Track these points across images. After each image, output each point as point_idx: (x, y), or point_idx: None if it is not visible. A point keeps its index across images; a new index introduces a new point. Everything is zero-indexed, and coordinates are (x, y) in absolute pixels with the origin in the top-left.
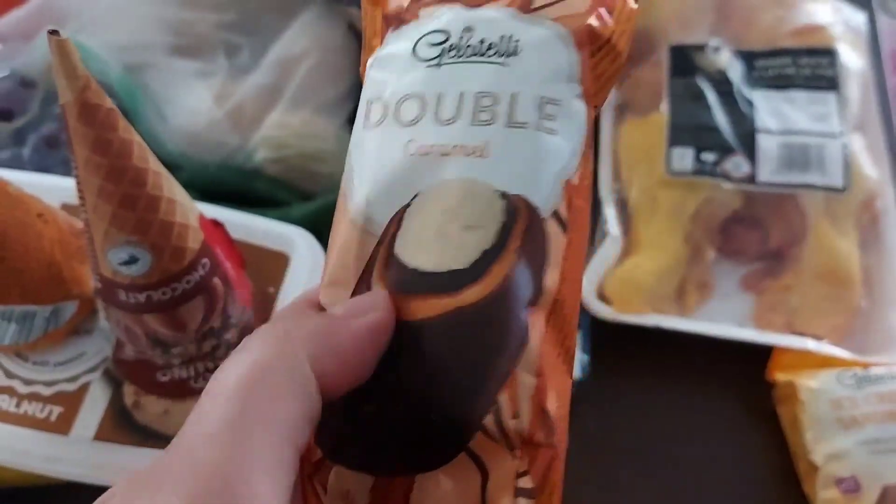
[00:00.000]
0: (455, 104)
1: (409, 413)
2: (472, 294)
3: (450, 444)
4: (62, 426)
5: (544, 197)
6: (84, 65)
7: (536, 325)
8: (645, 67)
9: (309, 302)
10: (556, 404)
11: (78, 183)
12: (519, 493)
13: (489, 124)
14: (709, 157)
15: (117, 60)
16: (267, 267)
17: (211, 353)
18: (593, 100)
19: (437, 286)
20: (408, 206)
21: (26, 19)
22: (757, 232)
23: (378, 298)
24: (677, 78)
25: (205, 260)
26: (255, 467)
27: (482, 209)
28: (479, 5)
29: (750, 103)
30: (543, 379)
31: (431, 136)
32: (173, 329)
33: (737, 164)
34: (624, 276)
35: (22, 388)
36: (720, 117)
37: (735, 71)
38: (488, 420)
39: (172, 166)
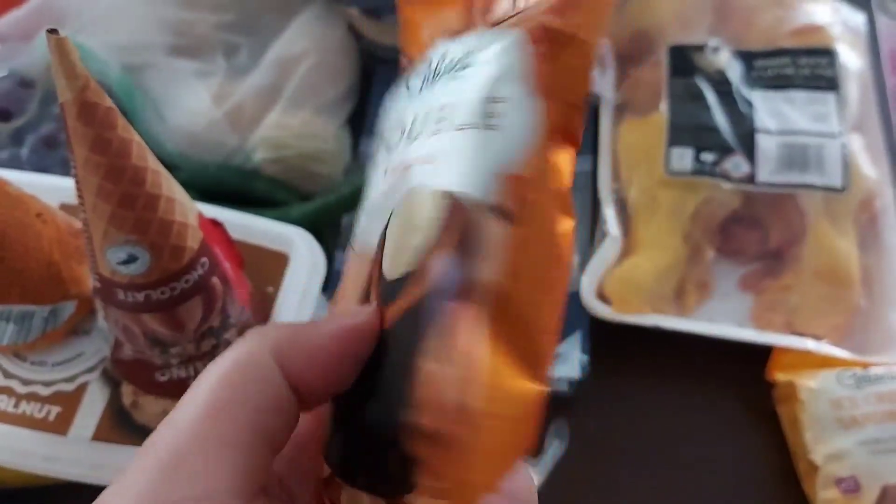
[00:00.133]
0: (422, 122)
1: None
2: (414, 294)
3: (395, 453)
4: (60, 426)
5: (483, 191)
6: (83, 64)
7: (464, 319)
8: (644, 68)
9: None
10: (486, 402)
11: (77, 182)
12: (427, 492)
13: (440, 132)
14: (708, 157)
15: (116, 61)
16: (266, 267)
17: (210, 353)
18: (559, 94)
19: (397, 292)
20: (387, 223)
21: (25, 19)
22: (756, 232)
23: (362, 309)
24: (677, 78)
25: (204, 259)
26: (209, 445)
27: (425, 211)
28: (460, 33)
29: (749, 103)
30: (468, 372)
31: (404, 155)
32: (172, 329)
33: (736, 164)
34: (623, 276)
35: (20, 388)
36: (719, 117)
37: (734, 71)
38: (410, 418)
39: (171, 166)
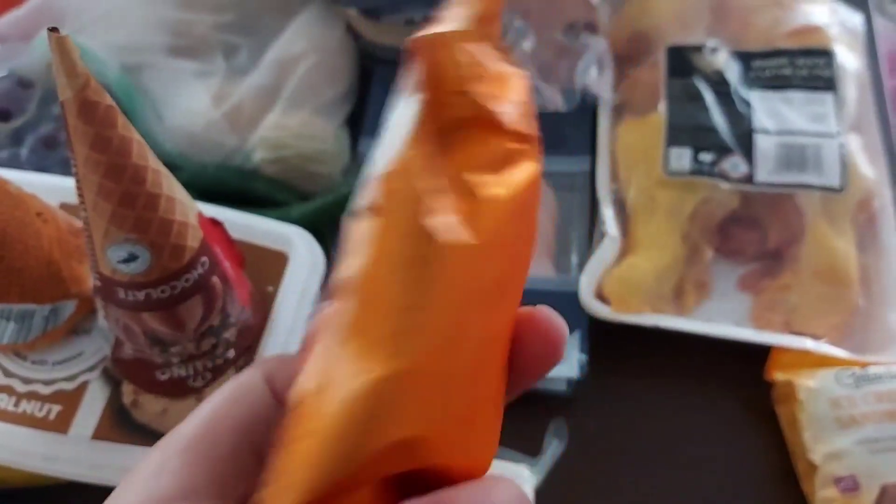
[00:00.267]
0: None
1: None
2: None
3: None
4: (61, 425)
5: (365, 196)
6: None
7: (324, 318)
8: (642, 68)
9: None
10: (305, 391)
11: (77, 181)
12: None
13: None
14: (706, 157)
15: (115, 61)
16: (266, 266)
17: (210, 352)
18: (437, 86)
19: None
20: None
21: (25, 20)
22: (755, 232)
23: None
24: (675, 78)
25: (204, 258)
26: (196, 452)
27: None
28: None
29: (747, 104)
30: (304, 356)
31: None
32: (172, 327)
33: (734, 165)
34: (622, 276)
35: (20, 387)
36: (718, 118)
37: (732, 71)
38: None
39: (171, 167)
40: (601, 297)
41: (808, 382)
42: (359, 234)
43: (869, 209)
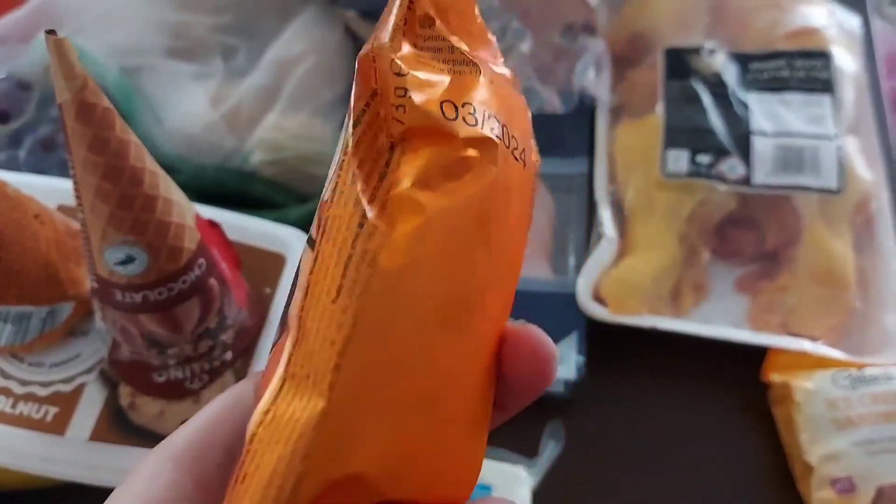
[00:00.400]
0: None
1: None
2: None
3: None
4: (58, 427)
5: (310, 231)
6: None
7: (275, 351)
8: (640, 70)
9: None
10: (260, 428)
11: (75, 183)
12: None
13: None
14: (704, 159)
15: (114, 63)
16: (263, 268)
17: (207, 354)
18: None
19: None
20: None
21: (23, 22)
22: (752, 233)
23: None
24: (672, 80)
25: (201, 260)
26: (183, 460)
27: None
28: None
29: (745, 105)
30: (260, 390)
31: None
32: (169, 329)
33: (732, 166)
34: (619, 278)
35: (18, 389)
36: (715, 119)
37: (730, 73)
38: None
39: (169, 169)
40: (598, 298)
41: (805, 384)
42: (302, 267)
43: (866, 211)
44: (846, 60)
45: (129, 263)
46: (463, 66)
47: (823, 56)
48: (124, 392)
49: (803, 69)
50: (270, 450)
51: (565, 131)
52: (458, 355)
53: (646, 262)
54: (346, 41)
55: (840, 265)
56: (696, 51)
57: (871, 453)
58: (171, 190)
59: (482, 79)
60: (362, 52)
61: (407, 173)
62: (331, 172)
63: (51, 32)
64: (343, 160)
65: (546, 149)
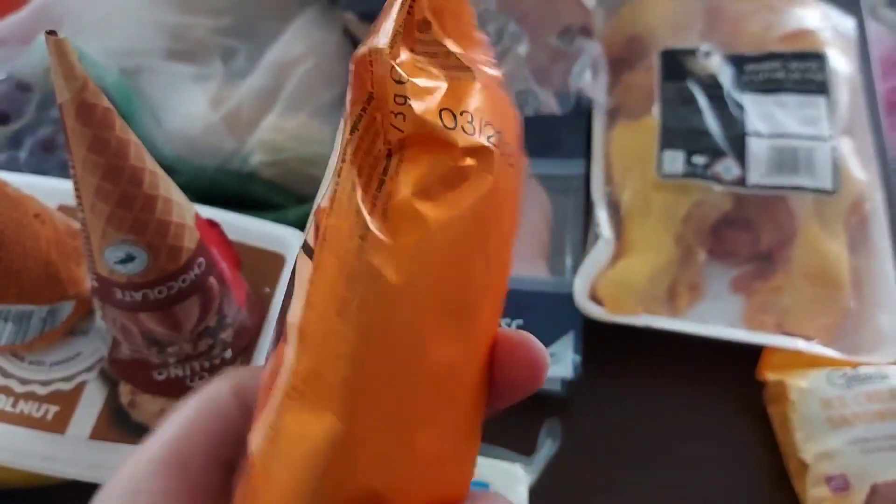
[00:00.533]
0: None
1: None
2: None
3: None
4: (58, 425)
5: (303, 235)
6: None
7: (273, 360)
8: (637, 72)
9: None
10: (266, 443)
11: (75, 182)
12: None
13: None
14: (700, 160)
15: (113, 65)
16: (263, 267)
17: (207, 352)
18: (365, 110)
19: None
20: None
21: (23, 23)
22: (747, 234)
23: None
24: (669, 82)
25: (200, 259)
26: (167, 467)
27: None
28: None
29: (740, 107)
30: (255, 416)
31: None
32: (169, 328)
33: (727, 167)
34: (616, 278)
35: (18, 388)
36: (711, 121)
37: (725, 75)
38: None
39: (169, 170)
40: (595, 298)
41: (800, 383)
42: (299, 274)
43: (861, 212)
44: (840, 62)
45: (129, 262)
46: (459, 72)
47: (818, 58)
48: (124, 390)
49: (798, 71)
50: (281, 466)
51: (562, 133)
52: (460, 363)
53: (642, 262)
54: (344, 43)
55: (834, 265)
56: (691, 53)
57: (865, 451)
58: (170, 190)
59: (477, 85)
60: (358, 53)
61: (406, 182)
62: (327, 178)
63: (51, 33)
64: (341, 167)
65: (543, 150)
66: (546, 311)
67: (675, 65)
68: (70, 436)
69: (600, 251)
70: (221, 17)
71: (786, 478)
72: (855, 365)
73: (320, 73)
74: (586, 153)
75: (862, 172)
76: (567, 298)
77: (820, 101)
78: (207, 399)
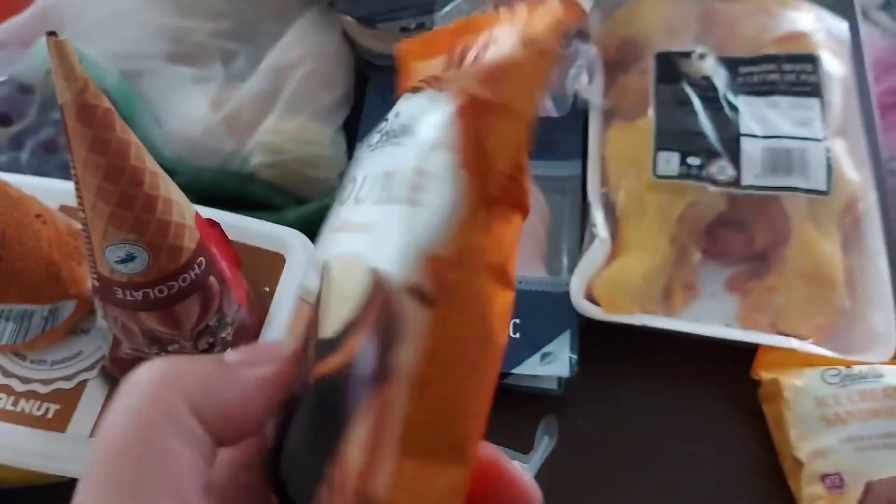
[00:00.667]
0: (368, 185)
1: (283, 475)
2: (329, 364)
3: None
4: (59, 424)
5: (399, 270)
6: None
7: (379, 403)
8: (632, 75)
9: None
10: (392, 491)
11: (76, 183)
12: None
13: (381, 203)
14: (694, 161)
15: (114, 67)
16: (262, 267)
17: (207, 351)
18: (491, 166)
19: (320, 354)
20: (323, 277)
21: (24, 26)
22: (742, 234)
23: (276, 350)
24: (663, 84)
25: (201, 259)
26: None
27: (353, 283)
28: (417, 90)
29: (734, 109)
30: (374, 460)
31: (349, 215)
32: (169, 327)
33: (722, 168)
34: (611, 278)
35: (19, 387)
36: (705, 122)
37: (720, 77)
38: (323, 490)
39: (169, 171)
40: (591, 297)
41: (795, 381)
42: (412, 320)
43: (854, 212)
44: (834, 64)
45: (129, 262)
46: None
47: (812, 60)
48: None
49: (792, 73)
50: None
51: (559, 134)
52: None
53: (637, 262)
54: (343, 46)
55: (828, 265)
56: (686, 55)
57: (859, 449)
58: (171, 190)
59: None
60: (466, 103)
61: (504, 243)
62: (445, 219)
63: (52, 34)
64: (457, 220)
65: (540, 151)
66: (543, 310)
67: (670, 67)
68: (71, 434)
69: (596, 251)
70: (221, 20)
71: (781, 476)
72: (849, 364)
73: (319, 76)
74: (582, 154)
75: (855, 173)
76: (564, 298)
77: (813, 102)
78: (167, 426)
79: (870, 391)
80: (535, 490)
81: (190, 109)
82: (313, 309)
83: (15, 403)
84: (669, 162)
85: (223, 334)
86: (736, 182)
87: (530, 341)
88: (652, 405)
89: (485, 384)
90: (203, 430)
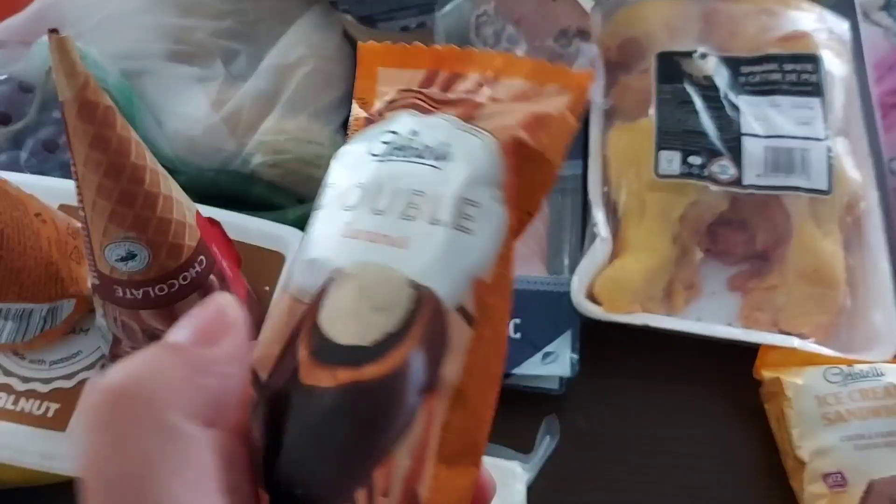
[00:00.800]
0: (390, 198)
1: (292, 476)
2: (369, 372)
3: None
4: (59, 423)
5: (450, 291)
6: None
7: (426, 412)
8: (633, 74)
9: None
10: (432, 492)
11: (77, 180)
12: None
13: (413, 220)
14: (696, 160)
15: (115, 67)
16: (262, 266)
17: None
18: (520, 205)
19: (342, 359)
20: (332, 279)
21: (24, 25)
22: (743, 233)
23: (227, 317)
24: (665, 84)
25: (201, 257)
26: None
27: (392, 294)
28: (432, 112)
29: (736, 108)
30: (420, 464)
31: (365, 223)
32: (170, 325)
33: (723, 168)
34: (613, 277)
35: (19, 386)
36: (707, 122)
37: (721, 77)
38: (361, 494)
39: (170, 171)
40: (592, 297)
41: (796, 379)
42: (458, 337)
43: (855, 211)
44: (835, 64)
45: (130, 260)
46: None
47: (813, 60)
48: None
49: (793, 73)
50: None
51: None
52: None
53: (639, 261)
54: (344, 46)
55: (829, 264)
56: (688, 55)
57: (860, 448)
58: (171, 188)
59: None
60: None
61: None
62: (490, 248)
63: (53, 31)
64: (502, 252)
65: None
66: (544, 310)
67: (672, 67)
68: (71, 433)
69: (597, 251)
70: (222, 19)
71: (783, 475)
72: (850, 362)
73: (320, 76)
74: (583, 154)
75: (856, 173)
76: (565, 297)
77: (815, 102)
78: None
79: (871, 390)
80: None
81: (191, 109)
82: (309, 308)
83: (15, 402)
84: (671, 161)
85: None
86: (737, 181)
87: (531, 341)
88: (653, 404)
89: (497, 392)
90: (202, 429)
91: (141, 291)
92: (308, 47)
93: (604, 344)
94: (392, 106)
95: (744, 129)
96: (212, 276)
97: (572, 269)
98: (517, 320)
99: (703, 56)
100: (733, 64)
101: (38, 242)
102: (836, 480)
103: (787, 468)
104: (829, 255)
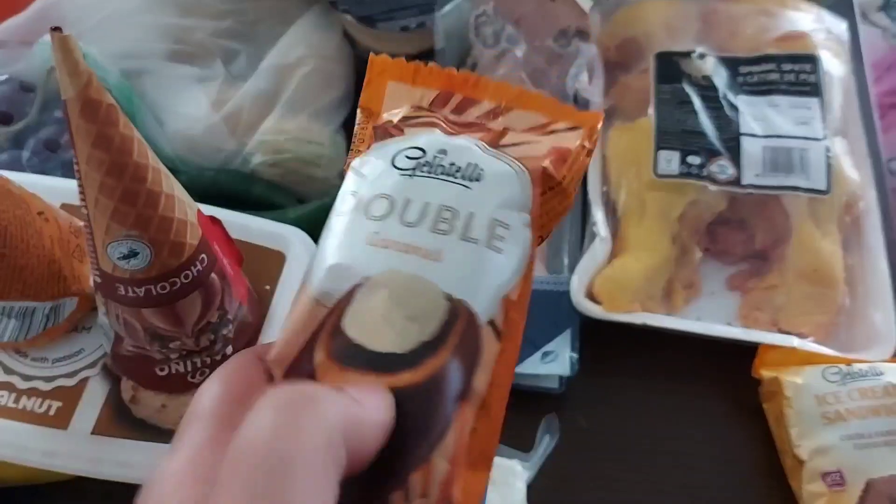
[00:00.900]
0: (419, 211)
1: None
2: (404, 378)
3: None
4: (61, 421)
5: (484, 306)
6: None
7: (460, 419)
8: (632, 74)
9: (257, 356)
10: (462, 496)
11: (79, 179)
12: None
13: (446, 234)
14: (695, 160)
15: (116, 67)
16: (263, 265)
17: (208, 348)
18: (539, 230)
19: (375, 365)
20: (360, 285)
21: (25, 25)
22: (742, 233)
23: (386, 395)
24: (664, 84)
25: (203, 256)
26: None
27: (427, 304)
28: (455, 134)
29: (735, 108)
30: (455, 468)
31: (394, 234)
32: (171, 324)
33: (722, 167)
34: (612, 276)
35: (21, 384)
36: (706, 122)
37: (720, 77)
38: (397, 496)
39: (170, 170)
40: (592, 296)
41: (795, 379)
42: (488, 350)
43: (854, 211)
44: (833, 64)
45: (131, 258)
46: None
47: (811, 60)
48: (126, 386)
49: (792, 73)
50: None
51: None
52: None
53: (638, 261)
54: (344, 46)
55: (828, 264)
56: (686, 55)
57: (859, 447)
58: (173, 186)
59: None
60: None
61: None
62: (519, 268)
63: (56, 29)
64: (524, 271)
65: None
66: (544, 309)
67: (671, 67)
68: (72, 431)
69: (597, 250)
70: (222, 19)
71: (782, 474)
72: (849, 362)
73: (320, 76)
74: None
75: (855, 172)
76: (564, 297)
77: (813, 102)
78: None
79: (870, 389)
80: None
81: (191, 109)
82: (331, 312)
83: (17, 400)
84: (670, 161)
85: (225, 331)
86: (736, 181)
87: (531, 340)
88: (652, 403)
89: (507, 400)
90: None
91: (143, 289)
92: (308, 47)
93: (603, 343)
94: (411, 122)
95: (742, 129)
96: (213, 275)
97: (572, 269)
98: None
99: (702, 56)
100: (732, 64)
101: (41, 241)
102: (835, 479)
103: (786, 467)
104: (828, 254)
